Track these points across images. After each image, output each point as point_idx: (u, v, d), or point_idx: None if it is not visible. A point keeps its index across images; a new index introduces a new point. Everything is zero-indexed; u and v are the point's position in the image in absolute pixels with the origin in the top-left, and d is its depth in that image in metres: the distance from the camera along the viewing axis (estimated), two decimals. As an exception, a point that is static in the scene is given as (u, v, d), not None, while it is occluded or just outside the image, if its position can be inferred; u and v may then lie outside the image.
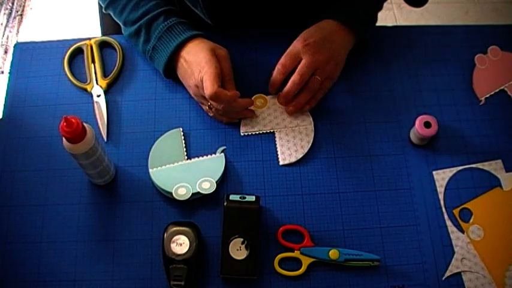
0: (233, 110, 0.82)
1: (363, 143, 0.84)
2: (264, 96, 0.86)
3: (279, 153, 0.83)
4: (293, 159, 0.82)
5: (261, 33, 0.91)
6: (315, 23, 0.86)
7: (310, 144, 0.83)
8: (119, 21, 0.88)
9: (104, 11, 0.90)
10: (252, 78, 0.85)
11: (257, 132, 0.84)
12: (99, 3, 1.04)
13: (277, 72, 0.83)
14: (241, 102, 0.81)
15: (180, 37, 0.82)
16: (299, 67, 0.81)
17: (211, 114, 0.83)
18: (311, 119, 0.85)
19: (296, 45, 0.82)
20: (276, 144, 0.83)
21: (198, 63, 0.79)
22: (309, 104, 0.84)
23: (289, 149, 0.83)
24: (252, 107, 0.85)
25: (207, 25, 0.89)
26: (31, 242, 0.77)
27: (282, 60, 0.82)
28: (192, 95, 0.84)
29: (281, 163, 0.82)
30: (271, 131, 0.84)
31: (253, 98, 0.86)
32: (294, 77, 0.81)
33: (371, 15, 0.89)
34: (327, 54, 0.81)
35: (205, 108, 0.83)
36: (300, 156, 0.82)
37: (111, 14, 0.89)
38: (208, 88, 0.76)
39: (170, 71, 0.85)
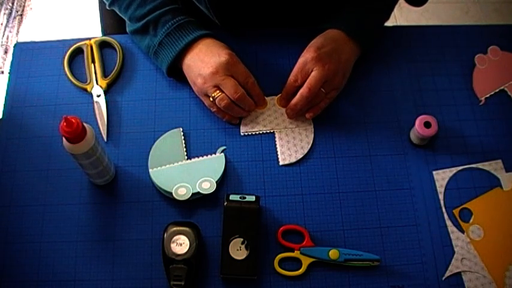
0: (236, 109, 0.82)
1: (363, 143, 0.84)
2: (264, 97, 0.86)
3: (279, 153, 0.83)
4: (293, 160, 0.82)
5: (265, 33, 0.91)
6: (321, 22, 0.86)
7: (310, 145, 0.83)
8: (123, 17, 0.88)
9: (107, 7, 0.90)
10: (255, 78, 0.84)
11: (257, 132, 0.84)
12: (100, 1, 1.04)
13: (289, 85, 0.83)
14: (249, 101, 0.82)
15: (191, 35, 0.82)
16: (309, 80, 0.80)
17: (213, 110, 0.83)
18: (311, 120, 0.85)
19: (307, 55, 0.81)
20: (276, 145, 0.83)
21: (219, 53, 0.80)
22: (313, 112, 0.83)
23: (289, 149, 0.83)
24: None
25: (212, 24, 0.89)
26: (31, 242, 0.77)
27: (294, 71, 0.82)
28: (200, 84, 0.82)
29: (281, 163, 0.82)
30: (271, 131, 0.84)
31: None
32: (303, 91, 0.80)
33: (379, 27, 0.89)
34: (336, 65, 0.81)
35: (208, 102, 0.83)
36: (300, 156, 0.82)
37: (116, 10, 0.88)
38: (239, 90, 0.80)
39: (173, 69, 0.85)
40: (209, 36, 0.84)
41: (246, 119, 0.85)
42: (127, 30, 0.88)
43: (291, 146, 0.83)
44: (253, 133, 0.84)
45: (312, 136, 0.84)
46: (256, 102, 0.84)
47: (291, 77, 0.82)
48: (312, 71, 0.80)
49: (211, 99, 0.81)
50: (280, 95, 0.86)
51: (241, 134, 0.84)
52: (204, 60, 0.80)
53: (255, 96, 0.83)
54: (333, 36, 0.83)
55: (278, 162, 0.82)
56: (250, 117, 0.85)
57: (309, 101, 0.81)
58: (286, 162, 0.82)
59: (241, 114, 0.84)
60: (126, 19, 0.88)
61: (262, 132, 0.84)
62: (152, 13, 0.83)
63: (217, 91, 0.80)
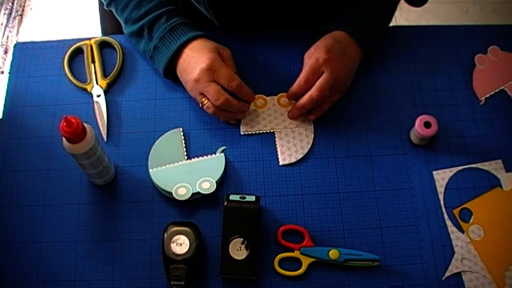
0: (225, 114, 0.82)
1: (363, 143, 0.84)
2: (264, 96, 0.86)
3: (279, 153, 0.83)
4: (293, 160, 0.82)
5: (265, 33, 0.91)
6: (321, 22, 0.86)
7: (310, 145, 0.83)
8: (120, 19, 0.88)
9: (105, 7, 0.90)
10: (254, 78, 0.85)
11: (257, 132, 0.84)
12: (100, 1, 1.04)
13: (298, 86, 0.81)
14: (236, 105, 0.80)
15: (182, 38, 0.82)
16: (319, 83, 0.79)
17: (209, 112, 0.83)
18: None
19: (318, 56, 0.80)
20: (276, 145, 0.83)
21: (201, 59, 0.79)
22: (315, 114, 0.83)
23: (289, 149, 0.83)
24: (252, 107, 0.85)
25: (211, 24, 0.89)
26: (31, 242, 0.77)
27: (305, 73, 0.81)
28: (189, 91, 0.83)
29: (281, 163, 0.82)
30: (271, 131, 0.84)
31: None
32: (313, 93, 0.80)
33: (381, 30, 0.89)
34: (345, 67, 0.81)
35: (200, 105, 0.83)
36: (300, 156, 0.82)
37: (113, 11, 0.88)
38: (223, 94, 0.78)
39: (170, 72, 0.85)
40: (200, 37, 0.82)
41: (246, 119, 0.85)
42: (124, 32, 0.88)
43: (291, 146, 0.83)
44: (253, 133, 0.84)
45: (312, 136, 0.84)
46: (247, 101, 0.83)
47: (302, 79, 0.81)
48: (322, 73, 0.80)
49: (200, 105, 0.81)
50: (280, 94, 0.85)
51: (241, 133, 0.84)
52: (190, 65, 0.80)
53: (243, 97, 0.82)
54: (339, 37, 0.83)
55: (278, 162, 0.82)
56: (250, 117, 0.85)
57: (316, 103, 0.81)
58: (286, 162, 0.82)
59: (233, 117, 0.83)
60: (122, 21, 0.87)
61: (262, 132, 0.84)
62: (147, 16, 0.83)
63: (204, 98, 0.80)
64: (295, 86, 0.82)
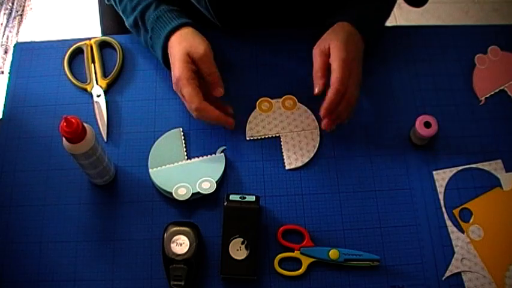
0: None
1: (363, 143, 0.84)
2: (270, 100, 0.85)
3: (285, 157, 0.82)
4: (299, 164, 0.81)
5: (265, 33, 0.91)
6: (322, 22, 0.86)
7: (316, 149, 0.82)
8: (119, 11, 0.87)
9: (106, 2, 0.90)
10: (257, 80, 0.84)
11: (263, 137, 0.84)
12: (100, 1, 1.04)
13: (316, 77, 0.78)
14: (212, 114, 0.76)
15: (167, 27, 0.80)
16: (335, 75, 0.75)
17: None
18: (316, 123, 0.84)
19: (324, 45, 0.78)
20: (279, 147, 0.83)
21: (173, 64, 0.78)
22: (346, 116, 0.79)
23: (295, 153, 0.82)
24: (257, 111, 0.85)
25: (211, 24, 0.88)
26: (31, 242, 0.77)
27: (317, 65, 0.77)
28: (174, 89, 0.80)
29: (287, 167, 0.81)
30: (277, 135, 0.84)
31: (258, 102, 0.85)
32: (336, 86, 0.74)
33: (381, 24, 0.89)
34: (354, 52, 0.78)
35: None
36: (306, 160, 0.82)
37: (113, 5, 0.88)
38: (194, 102, 0.75)
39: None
40: (185, 26, 0.80)
41: (251, 123, 0.84)
42: (126, 25, 0.87)
43: (297, 150, 0.82)
44: (259, 137, 0.83)
45: (317, 140, 0.83)
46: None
47: (317, 72, 0.77)
48: (333, 62, 0.76)
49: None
50: (285, 97, 0.85)
51: (247, 138, 0.83)
52: (171, 62, 0.79)
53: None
54: (343, 27, 0.81)
55: (278, 162, 0.82)
56: (255, 121, 0.84)
57: (342, 95, 0.76)
58: (293, 166, 0.81)
59: (221, 124, 0.79)
60: (121, 14, 0.87)
61: (268, 137, 0.84)
62: (138, 6, 0.82)
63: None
64: (315, 79, 0.77)
